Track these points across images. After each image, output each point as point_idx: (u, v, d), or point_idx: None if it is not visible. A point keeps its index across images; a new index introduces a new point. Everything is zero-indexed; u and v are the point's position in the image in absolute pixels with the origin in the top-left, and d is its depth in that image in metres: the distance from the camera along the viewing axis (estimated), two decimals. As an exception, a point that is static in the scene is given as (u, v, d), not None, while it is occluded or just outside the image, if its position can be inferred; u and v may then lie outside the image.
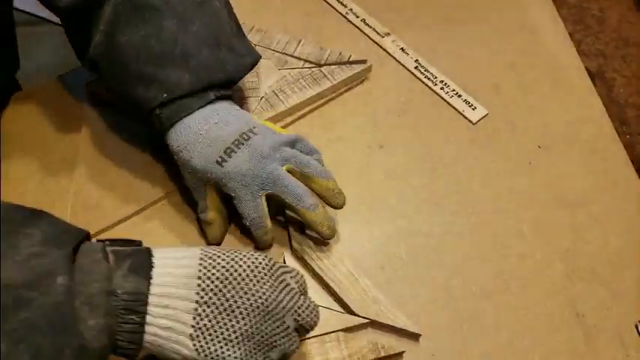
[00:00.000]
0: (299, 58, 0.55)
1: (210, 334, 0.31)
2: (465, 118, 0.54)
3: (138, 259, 0.31)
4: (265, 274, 0.33)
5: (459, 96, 0.55)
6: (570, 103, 0.55)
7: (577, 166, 0.51)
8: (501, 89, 0.56)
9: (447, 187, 0.49)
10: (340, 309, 0.41)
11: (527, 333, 0.41)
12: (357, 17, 0.62)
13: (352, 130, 0.52)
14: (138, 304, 0.30)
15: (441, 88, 0.56)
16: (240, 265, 0.33)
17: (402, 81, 0.57)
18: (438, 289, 0.43)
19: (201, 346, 0.31)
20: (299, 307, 0.34)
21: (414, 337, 0.40)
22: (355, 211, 0.47)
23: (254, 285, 0.32)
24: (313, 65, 0.55)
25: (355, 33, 0.61)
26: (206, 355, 0.31)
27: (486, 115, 0.54)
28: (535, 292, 0.43)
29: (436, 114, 0.54)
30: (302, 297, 0.34)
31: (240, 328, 0.32)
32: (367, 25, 0.61)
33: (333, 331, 0.39)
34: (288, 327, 0.33)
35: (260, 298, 0.32)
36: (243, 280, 0.32)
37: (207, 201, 0.42)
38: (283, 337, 0.33)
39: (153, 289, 0.30)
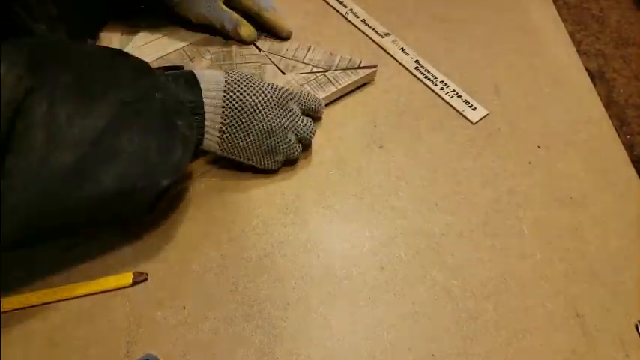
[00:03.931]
0: (308, 64, 0.55)
1: (230, 143, 0.45)
2: (465, 118, 0.54)
3: (186, 77, 0.43)
4: (272, 104, 0.45)
5: (459, 96, 0.55)
6: (570, 103, 0.55)
7: (577, 166, 0.51)
8: (501, 89, 0.56)
9: (447, 187, 0.49)
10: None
11: (527, 333, 0.41)
12: (357, 17, 0.62)
13: (352, 130, 0.52)
14: (199, 109, 0.42)
15: (441, 88, 0.56)
16: (254, 99, 0.44)
17: (402, 81, 0.57)
18: (438, 289, 0.43)
19: (224, 147, 0.45)
20: (298, 127, 0.47)
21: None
22: (355, 211, 0.47)
23: (262, 113, 0.44)
24: (319, 70, 0.55)
25: (355, 33, 0.61)
26: (229, 153, 0.45)
27: (486, 115, 0.54)
28: (535, 292, 0.43)
29: (436, 114, 0.54)
30: (301, 118, 0.47)
31: (251, 140, 0.45)
32: (367, 25, 0.61)
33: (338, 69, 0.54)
34: (290, 140, 0.47)
35: (267, 122, 0.45)
36: (254, 109, 0.44)
37: (225, 11, 0.54)
38: (285, 147, 0.47)
39: (204, 100, 0.42)
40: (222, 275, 0.43)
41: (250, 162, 0.47)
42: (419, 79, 0.57)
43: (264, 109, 0.44)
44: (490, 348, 0.40)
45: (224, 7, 0.55)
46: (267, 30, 0.57)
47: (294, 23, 0.60)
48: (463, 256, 0.45)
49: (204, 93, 0.43)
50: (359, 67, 0.55)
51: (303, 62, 0.55)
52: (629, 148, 0.52)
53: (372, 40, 0.60)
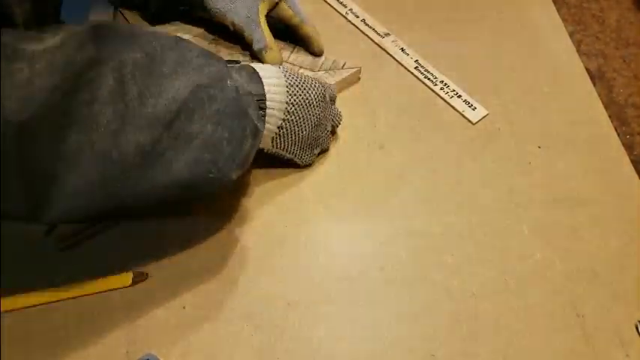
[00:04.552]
0: (293, 64, 0.55)
1: (283, 138, 0.45)
2: (465, 118, 0.54)
3: (248, 71, 0.42)
4: (321, 100, 0.46)
5: (459, 96, 0.55)
6: (570, 103, 0.55)
7: (577, 166, 0.51)
8: (501, 89, 0.56)
9: (447, 187, 0.49)
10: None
11: (527, 333, 0.41)
12: (357, 17, 0.62)
13: (352, 131, 0.52)
14: (262, 102, 0.41)
15: (441, 89, 0.56)
16: (310, 94, 0.44)
17: (402, 81, 0.57)
18: (438, 289, 0.43)
19: (277, 142, 0.45)
20: (334, 116, 0.49)
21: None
22: (355, 211, 0.47)
23: (315, 108, 0.45)
24: (307, 71, 0.55)
25: (355, 33, 0.61)
26: (279, 148, 0.46)
27: (486, 115, 0.54)
28: (535, 292, 0.43)
29: (436, 114, 0.54)
30: (333, 107, 0.49)
31: (302, 135, 0.46)
32: (367, 25, 0.61)
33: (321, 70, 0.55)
34: (328, 130, 0.49)
35: (317, 116, 0.46)
36: (310, 104, 0.45)
37: (261, 28, 0.52)
38: (325, 138, 0.49)
39: (267, 95, 0.42)
40: (222, 275, 0.43)
41: (293, 156, 0.47)
42: (419, 79, 0.57)
43: (316, 103, 0.45)
44: (490, 348, 0.40)
45: (263, 22, 0.53)
46: (302, 42, 0.56)
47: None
48: (463, 256, 0.45)
49: (266, 88, 0.42)
50: (342, 68, 0.55)
51: (287, 62, 0.55)
52: (629, 148, 0.52)
53: (372, 40, 0.60)
